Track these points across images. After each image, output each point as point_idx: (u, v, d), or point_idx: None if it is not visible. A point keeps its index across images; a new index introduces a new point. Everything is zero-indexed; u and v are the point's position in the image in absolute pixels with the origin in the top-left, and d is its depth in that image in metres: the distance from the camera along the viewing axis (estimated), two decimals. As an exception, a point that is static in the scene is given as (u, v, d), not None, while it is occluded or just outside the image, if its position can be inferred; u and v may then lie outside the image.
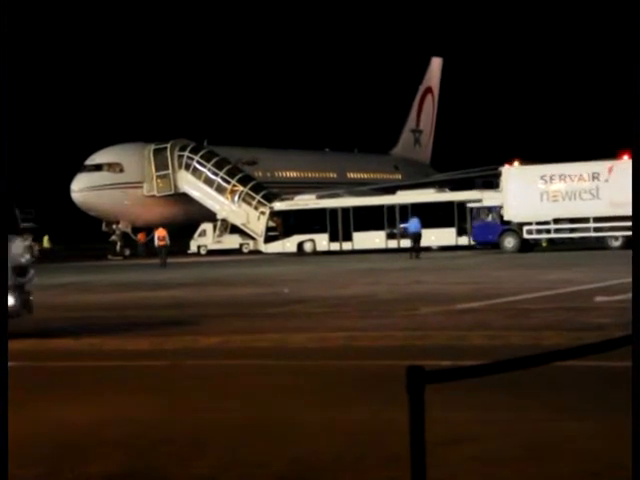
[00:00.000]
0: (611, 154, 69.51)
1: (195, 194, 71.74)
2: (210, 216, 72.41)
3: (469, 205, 59.88)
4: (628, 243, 52.89)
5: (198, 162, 71.81)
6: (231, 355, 17.08)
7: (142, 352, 17.79)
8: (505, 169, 58.84)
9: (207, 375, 14.93)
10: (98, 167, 72.16)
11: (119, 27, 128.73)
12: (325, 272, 43.08)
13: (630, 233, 53.72)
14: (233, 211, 70.57)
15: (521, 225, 55.77)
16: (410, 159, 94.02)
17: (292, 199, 69.41)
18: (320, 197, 69.18)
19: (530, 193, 55.24)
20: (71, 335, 20.31)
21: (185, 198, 72.21)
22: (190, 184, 71.96)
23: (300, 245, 65.65)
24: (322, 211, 65.65)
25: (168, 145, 72.59)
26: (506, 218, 56.07)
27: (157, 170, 72.03)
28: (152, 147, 72.85)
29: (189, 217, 73.44)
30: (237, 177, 71.57)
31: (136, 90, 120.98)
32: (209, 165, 71.65)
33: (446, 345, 17.01)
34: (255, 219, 69.47)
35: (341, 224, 64.81)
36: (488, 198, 58.88)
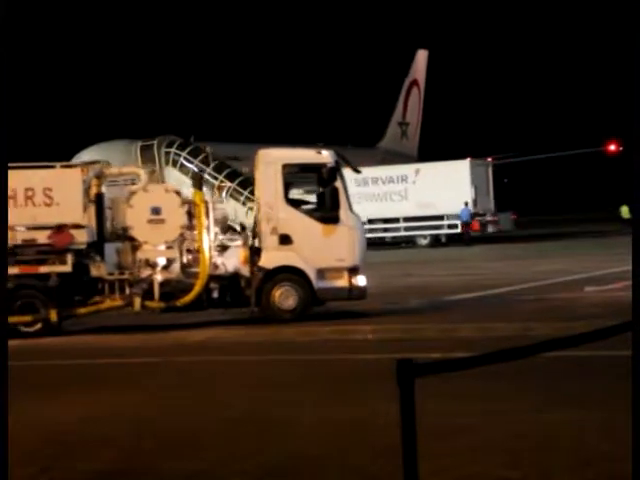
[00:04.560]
0: (598, 143, 69.61)
1: (183, 190, 71.58)
2: (198, 212, 72.29)
3: None
4: (435, 241, 55.84)
5: (185, 158, 71.68)
6: (222, 351, 17.08)
7: (131, 348, 17.79)
8: None
9: (200, 371, 14.92)
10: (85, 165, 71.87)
11: (104, 25, 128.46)
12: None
13: (436, 232, 56.23)
14: (221, 207, 70.47)
15: None
16: (397, 152, 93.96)
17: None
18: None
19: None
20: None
21: (173, 194, 71.99)
22: (177, 180, 71.77)
23: (289, 238, 65.66)
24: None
25: (155, 142, 72.31)
26: None
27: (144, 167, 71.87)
28: (139, 144, 72.60)
29: (178, 213, 73.19)
30: (224, 173, 71.44)
31: (122, 87, 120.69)
32: (196, 161, 71.51)
33: (436, 337, 17.03)
34: (243, 215, 69.32)
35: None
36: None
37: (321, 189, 21.24)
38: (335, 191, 20.85)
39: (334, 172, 20.93)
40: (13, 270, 20.21)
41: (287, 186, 21.22)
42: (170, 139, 74.80)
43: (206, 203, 21.10)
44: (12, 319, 20.06)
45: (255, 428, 10.46)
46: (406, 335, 17.61)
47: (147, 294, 20.56)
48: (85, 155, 76.86)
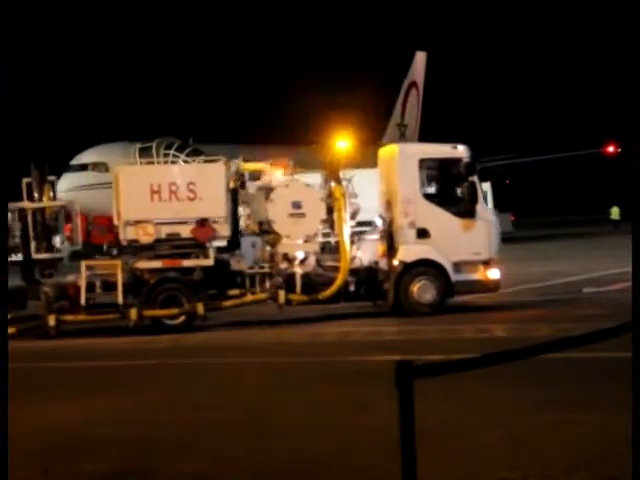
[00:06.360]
0: (597, 145, 69.50)
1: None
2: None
3: None
4: None
5: (184, 160, 71.61)
6: (222, 353, 17.06)
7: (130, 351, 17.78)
8: None
9: (197, 374, 14.91)
10: (83, 167, 71.62)
11: (104, 27, 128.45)
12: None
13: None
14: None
15: None
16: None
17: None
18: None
19: None
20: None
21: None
22: (176, 182, 71.69)
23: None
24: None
25: (154, 144, 72.16)
26: None
27: (143, 169, 71.66)
28: (137, 146, 72.46)
29: (176, 215, 73.10)
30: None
31: (121, 89, 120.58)
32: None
33: (436, 339, 17.03)
34: (241, 215, 69.19)
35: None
36: None
37: (458, 183, 21.42)
38: (473, 185, 21.10)
39: (471, 167, 21.17)
40: (155, 264, 20.43)
41: (424, 180, 21.52)
42: (169, 141, 74.56)
43: (344, 197, 21.21)
44: (155, 312, 20.26)
45: (255, 430, 10.46)
46: (406, 337, 17.62)
47: (287, 288, 20.72)
48: (85, 157, 76.72)
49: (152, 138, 75.24)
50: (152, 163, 76.83)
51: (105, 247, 22.17)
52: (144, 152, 74.75)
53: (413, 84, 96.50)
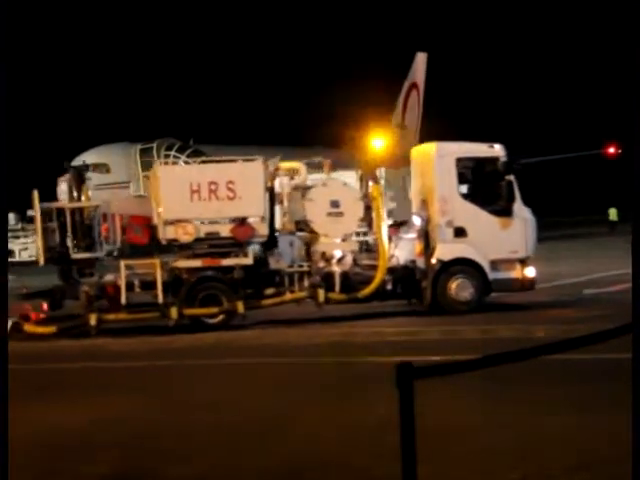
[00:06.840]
0: (597, 146, 69.43)
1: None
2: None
3: None
4: None
5: (185, 162, 71.57)
6: (224, 353, 17.07)
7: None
8: None
9: (201, 374, 14.92)
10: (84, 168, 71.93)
11: (104, 28, 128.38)
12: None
13: None
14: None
15: None
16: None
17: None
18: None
19: None
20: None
21: (172, 197, 71.72)
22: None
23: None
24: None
25: (154, 145, 72.01)
26: None
27: (144, 170, 71.49)
28: (138, 147, 72.34)
29: (177, 216, 73.00)
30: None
31: (122, 90, 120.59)
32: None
33: (438, 340, 17.04)
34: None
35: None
36: None
37: (494, 182, 21.43)
38: (510, 184, 21.18)
39: (509, 165, 21.26)
40: (195, 263, 20.46)
41: (461, 179, 21.52)
42: (169, 142, 74.38)
43: (382, 196, 21.39)
44: (195, 311, 20.28)
45: (257, 431, 10.47)
46: (406, 337, 17.62)
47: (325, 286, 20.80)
48: (86, 157, 76.37)
49: (153, 139, 75.11)
50: (153, 164, 76.45)
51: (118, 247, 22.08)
52: (145, 153, 74.55)
53: (414, 86, 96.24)
